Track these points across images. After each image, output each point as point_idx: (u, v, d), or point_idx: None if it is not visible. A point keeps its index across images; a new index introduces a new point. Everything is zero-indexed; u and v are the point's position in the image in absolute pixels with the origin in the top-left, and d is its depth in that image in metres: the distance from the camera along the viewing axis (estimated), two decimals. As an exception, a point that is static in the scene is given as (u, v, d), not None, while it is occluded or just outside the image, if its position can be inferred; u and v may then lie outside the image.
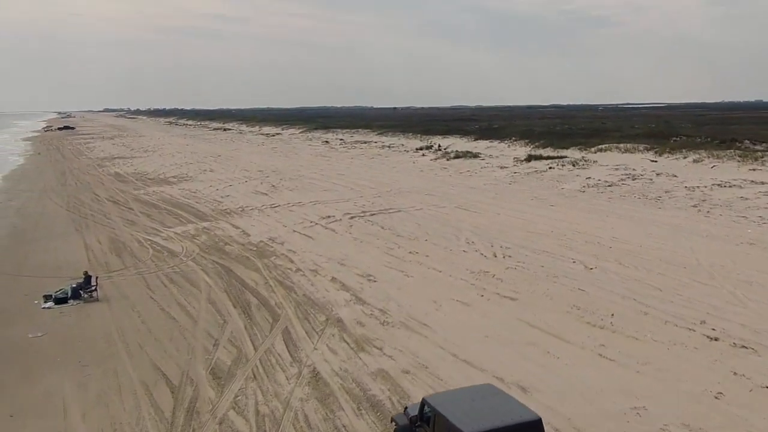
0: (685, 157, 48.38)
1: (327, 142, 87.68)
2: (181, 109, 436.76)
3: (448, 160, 58.03)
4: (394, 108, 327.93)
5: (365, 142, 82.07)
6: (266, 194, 40.54)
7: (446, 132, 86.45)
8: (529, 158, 53.33)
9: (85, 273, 20.59)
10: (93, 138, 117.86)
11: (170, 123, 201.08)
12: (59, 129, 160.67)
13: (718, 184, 38.13)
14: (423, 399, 10.88)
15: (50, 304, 19.70)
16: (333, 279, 21.03)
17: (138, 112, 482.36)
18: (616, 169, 46.22)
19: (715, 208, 31.74)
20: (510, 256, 23.17)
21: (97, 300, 19.96)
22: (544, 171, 47.90)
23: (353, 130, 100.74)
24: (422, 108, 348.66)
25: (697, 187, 37.84)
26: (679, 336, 15.11)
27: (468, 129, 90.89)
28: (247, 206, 36.02)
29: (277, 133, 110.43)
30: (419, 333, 15.95)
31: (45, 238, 29.73)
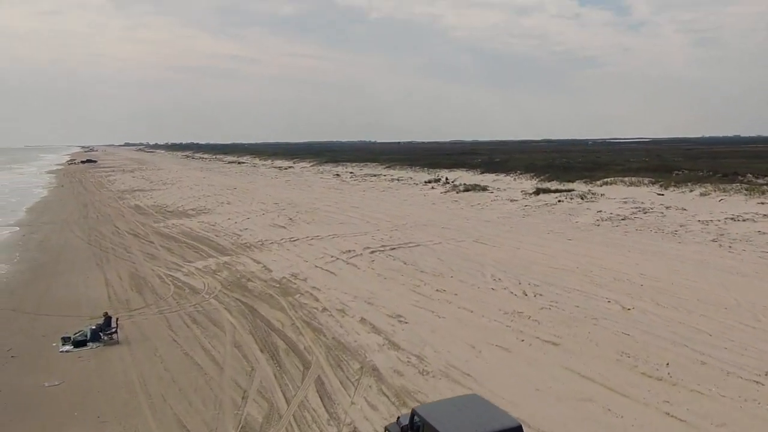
0: (691, 191, 46.65)
1: (338, 175, 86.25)
2: (197, 144, 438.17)
3: (457, 192, 56.40)
4: (398, 142, 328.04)
5: (375, 175, 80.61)
6: (284, 227, 38.77)
7: (452, 165, 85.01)
8: (538, 191, 51.64)
9: (105, 314, 18.72)
10: (114, 171, 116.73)
11: (187, 157, 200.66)
12: (82, 162, 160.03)
13: (731, 218, 36.29)
14: (413, 409, 10.92)
15: (69, 347, 17.78)
16: (362, 320, 19.13)
17: (156, 146, 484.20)
18: (625, 203, 44.48)
19: (735, 243, 29.87)
20: (541, 295, 21.28)
21: (117, 342, 18.06)
22: (554, 204, 46.15)
23: (362, 164, 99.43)
24: (423, 142, 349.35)
25: (710, 220, 36.01)
26: (747, 390, 13.16)
27: (472, 162, 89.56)
28: (266, 240, 34.23)
29: (290, 167, 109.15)
30: (463, 384, 14.00)
31: (65, 272, 27.90)
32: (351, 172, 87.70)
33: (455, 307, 20.18)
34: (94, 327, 18.35)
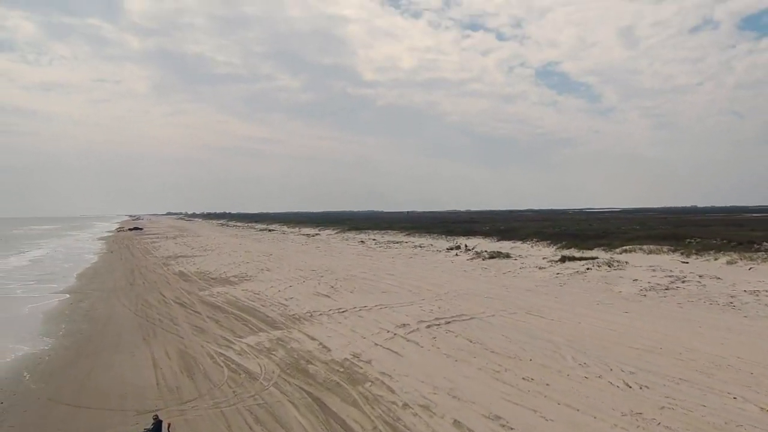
0: (716, 259, 41.83)
1: (362, 242, 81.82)
2: (229, 213, 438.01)
3: (483, 260, 51.63)
4: (407, 212, 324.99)
5: (397, 242, 76.09)
6: (328, 296, 33.91)
7: (464, 233, 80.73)
8: (563, 259, 46.86)
9: (155, 417, 13.78)
10: (158, 238, 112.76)
11: (222, 225, 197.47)
12: (130, 230, 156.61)
13: (778, 288, 31.41)
14: None
15: (111, 461, 12.85)
16: (455, 423, 14.09)
17: (194, 215, 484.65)
18: (654, 271, 39.57)
19: (808, 318, 24.88)
20: (647, 387, 16.22)
21: (169, 453, 13.08)
22: (584, 272, 41.27)
23: (381, 231, 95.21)
24: (424, 212, 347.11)
25: (757, 290, 31.06)
26: None
27: (483, 230, 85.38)
28: (314, 311, 29.33)
29: (316, 234, 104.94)
30: None
31: (110, 348, 22.99)
32: (374, 239, 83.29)
33: (555, 404, 15.14)
34: (141, 433, 13.45)
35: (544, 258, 50.72)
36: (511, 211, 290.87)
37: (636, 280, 36.46)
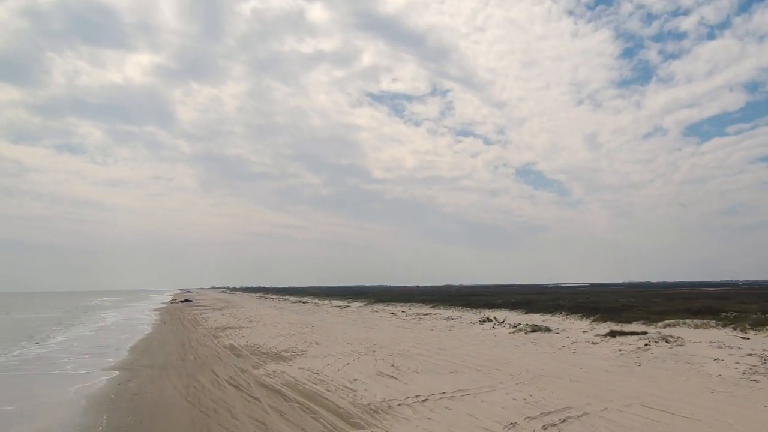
0: (778, 335, 33.21)
1: (393, 313, 72.74)
2: (263, 287, 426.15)
3: (526, 333, 42.80)
4: (417, 286, 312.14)
5: (426, 314, 67.05)
6: (394, 377, 25.40)
7: (483, 305, 71.84)
8: (613, 333, 38.15)
9: None
10: (206, 309, 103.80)
11: (260, 297, 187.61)
12: (181, 301, 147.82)
13: None
14: None
15: None
16: None
17: (234, 288, 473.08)
18: (720, 348, 30.86)
19: None
20: None
21: None
22: (646, 348, 32.56)
23: (406, 304, 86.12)
24: (426, 286, 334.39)
25: None
26: None
27: (495, 302, 76.41)
28: (389, 399, 20.89)
29: (346, 306, 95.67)
30: None
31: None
32: (403, 311, 74.20)
33: None
34: None
35: (584, 332, 41.97)
36: (497, 286, 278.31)
37: (717, 359, 27.79)
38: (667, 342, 33.88)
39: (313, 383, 24.33)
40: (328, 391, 22.69)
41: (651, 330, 38.95)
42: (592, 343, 35.74)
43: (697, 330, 37.83)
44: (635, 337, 35.80)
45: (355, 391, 22.47)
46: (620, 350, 32.38)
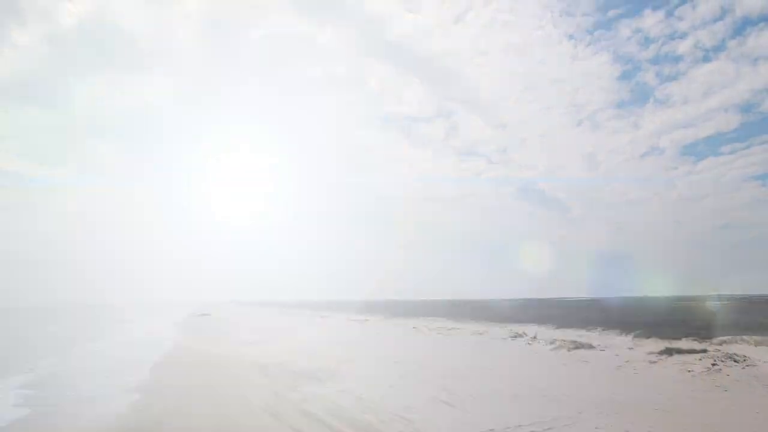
0: None
1: (415, 328, 68.65)
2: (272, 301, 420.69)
3: (568, 351, 38.78)
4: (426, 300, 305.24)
5: (450, 329, 62.96)
6: (453, 406, 21.64)
7: (504, 320, 67.77)
8: (670, 351, 34.10)
9: None
10: (226, 323, 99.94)
11: (277, 308, 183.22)
12: (200, 315, 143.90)
13: None
14: None
15: None
16: None
17: (251, 302, 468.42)
18: (802, 369, 26.94)
19: None
20: None
21: None
22: (715, 369, 28.57)
23: (427, 318, 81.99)
24: (435, 299, 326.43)
25: None
26: None
27: (516, 316, 72.31)
28: (459, 435, 17.21)
29: (366, 319, 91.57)
30: None
31: None
32: (425, 326, 70.09)
33: None
34: None
35: (629, 348, 37.94)
36: (503, 299, 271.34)
37: (812, 383, 23.82)
38: (735, 362, 29.85)
39: (362, 413, 20.66)
40: (382, 422, 19.02)
41: (709, 347, 34.84)
42: (650, 362, 31.76)
43: (759, 348, 33.71)
44: (696, 356, 31.77)
45: (413, 422, 18.77)
46: (689, 371, 28.41)
